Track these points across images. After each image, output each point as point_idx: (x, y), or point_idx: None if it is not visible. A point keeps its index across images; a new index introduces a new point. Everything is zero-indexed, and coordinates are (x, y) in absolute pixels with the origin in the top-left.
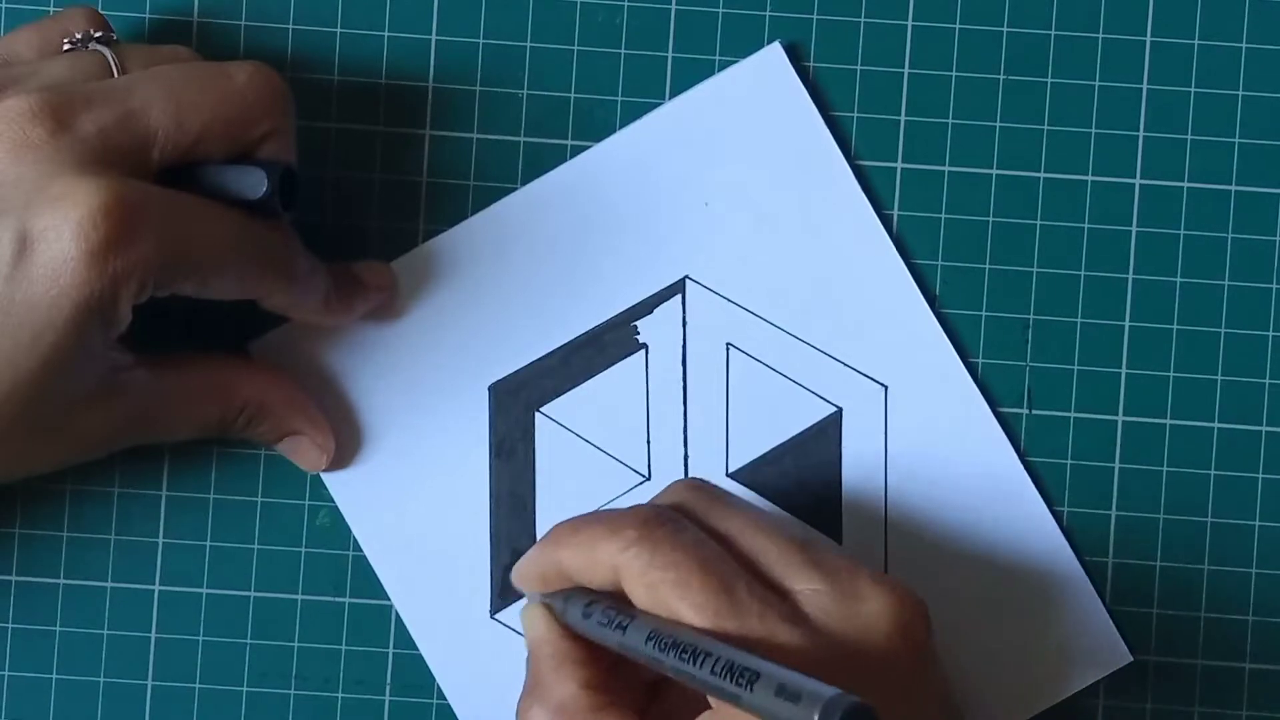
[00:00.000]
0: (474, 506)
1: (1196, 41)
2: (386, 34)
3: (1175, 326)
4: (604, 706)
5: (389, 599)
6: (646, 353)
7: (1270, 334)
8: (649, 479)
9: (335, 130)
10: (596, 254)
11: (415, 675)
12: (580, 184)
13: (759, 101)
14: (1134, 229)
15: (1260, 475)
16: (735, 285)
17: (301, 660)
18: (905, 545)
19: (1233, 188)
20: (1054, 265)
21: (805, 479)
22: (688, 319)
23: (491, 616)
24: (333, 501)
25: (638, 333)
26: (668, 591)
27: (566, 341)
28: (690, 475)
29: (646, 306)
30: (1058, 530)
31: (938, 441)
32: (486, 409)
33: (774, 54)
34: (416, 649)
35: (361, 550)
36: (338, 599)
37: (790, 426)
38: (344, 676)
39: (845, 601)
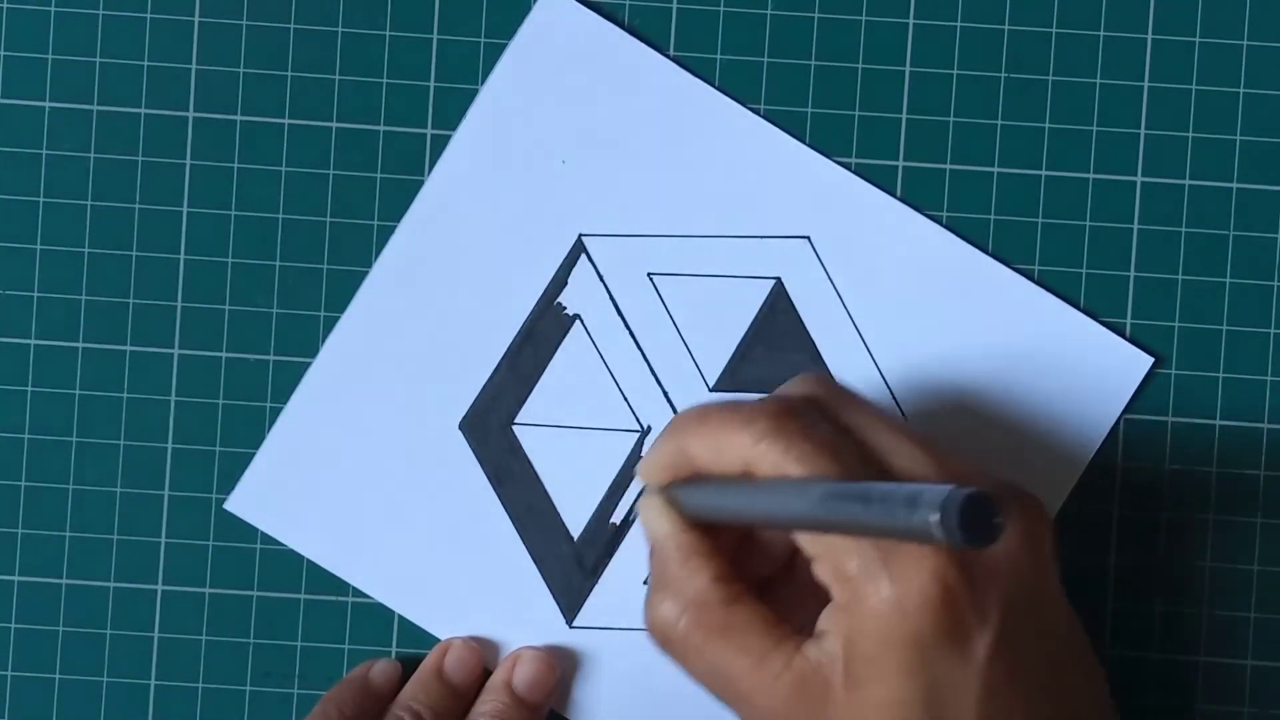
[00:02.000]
0: (504, 539)
1: (1198, 39)
2: (387, 34)
3: (1177, 324)
4: (736, 597)
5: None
6: (581, 322)
7: (1272, 331)
8: (645, 430)
9: (335, 130)
10: (490, 256)
11: None
12: (446, 196)
13: (561, 43)
14: (1135, 226)
15: (1262, 472)
16: (626, 220)
17: (304, 660)
18: (900, 371)
19: (1234, 185)
20: (1056, 263)
21: (782, 356)
22: (601, 272)
23: (570, 626)
24: None
25: (564, 309)
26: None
27: (504, 351)
28: (680, 405)
29: (559, 280)
30: (1028, 282)
31: (881, 258)
32: (467, 448)
33: None
34: (418, 648)
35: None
36: (341, 598)
37: (742, 318)
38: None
39: None
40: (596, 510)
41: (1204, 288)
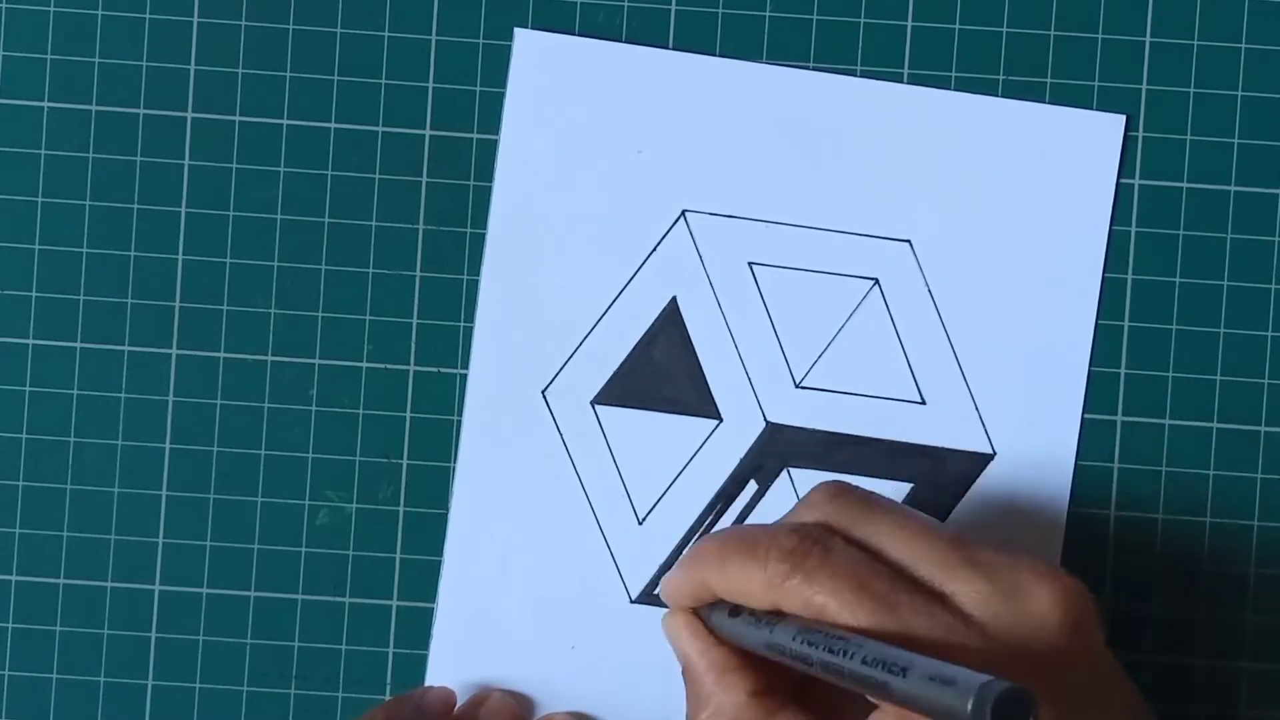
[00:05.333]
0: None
1: (1196, 42)
2: (386, 34)
3: (1174, 327)
4: (775, 710)
5: (391, 599)
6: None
7: (1269, 334)
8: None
9: (334, 131)
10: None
11: (415, 675)
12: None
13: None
14: (1133, 229)
15: (1259, 475)
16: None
17: (302, 660)
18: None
19: (1232, 188)
20: None
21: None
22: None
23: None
24: (334, 501)
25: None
26: (832, 614)
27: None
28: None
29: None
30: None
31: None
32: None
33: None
34: (416, 649)
35: (361, 551)
36: (338, 599)
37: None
38: (344, 676)
39: (1010, 600)
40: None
41: (1201, 290)
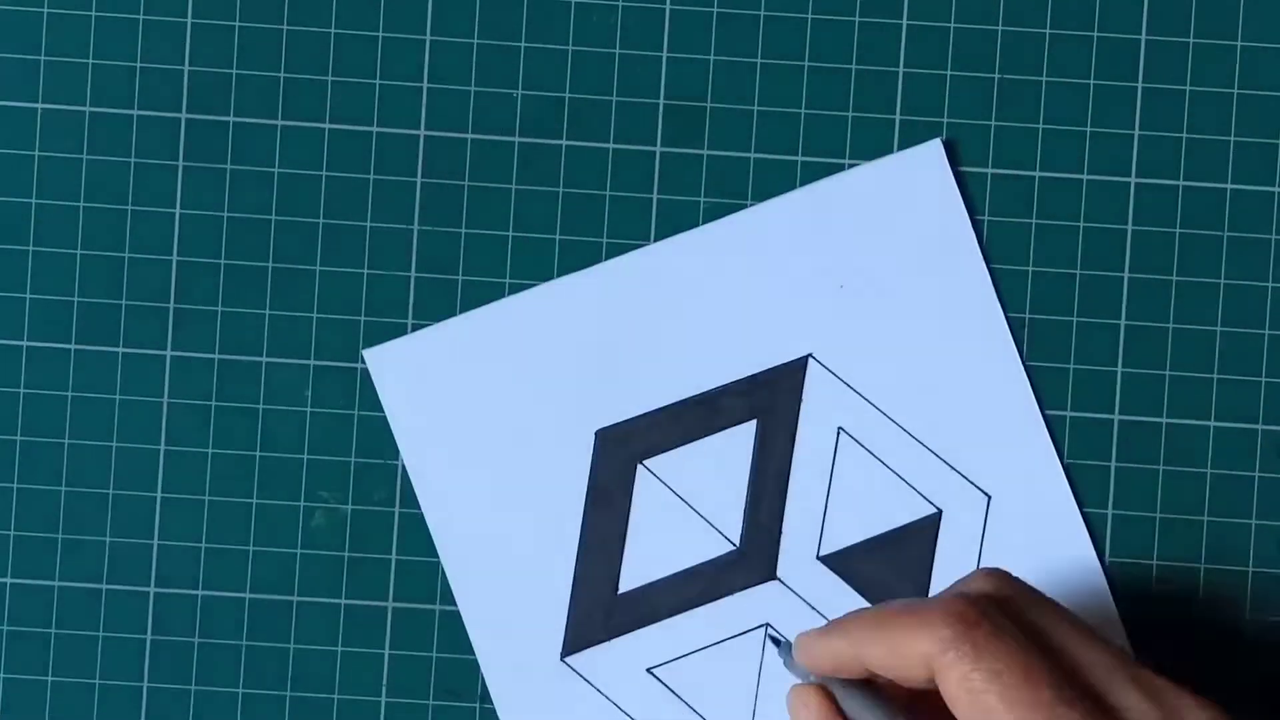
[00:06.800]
0: (562, 549)
1: (1191, 40)
2: (381, 34)
3: (1171, 325)
4: None
5: (386, 600)
6: (759, 424)
7: (1266, 332)
8: (740, 549)
9: (328, 131)
10: (723, 319)
11: (411, 678)
12: (714, 248)
13: (909, 193)
14: (1129, 227)
15: (1256, 474)
16: (856, 371)
17: (297, 662)
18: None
19: (1228, 186)
20: (1049, 264)
21: (894, 576)
22: (805, 397)
23: (561, 660)
24: (329, 503)
25: (754, 402)
26: (993, 700)
27: (681, 399)
28: (782, 553)
29: (766, 379)
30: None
31: (1031, 556)
32: (590, 454)
33: (932, 150)
34: (412, 651)
35: (357, 552)
36: (333, 601)
37: (887, 521)
38: (340, 679)
39: None
40: (654, 583)
41: (1198, 288)
